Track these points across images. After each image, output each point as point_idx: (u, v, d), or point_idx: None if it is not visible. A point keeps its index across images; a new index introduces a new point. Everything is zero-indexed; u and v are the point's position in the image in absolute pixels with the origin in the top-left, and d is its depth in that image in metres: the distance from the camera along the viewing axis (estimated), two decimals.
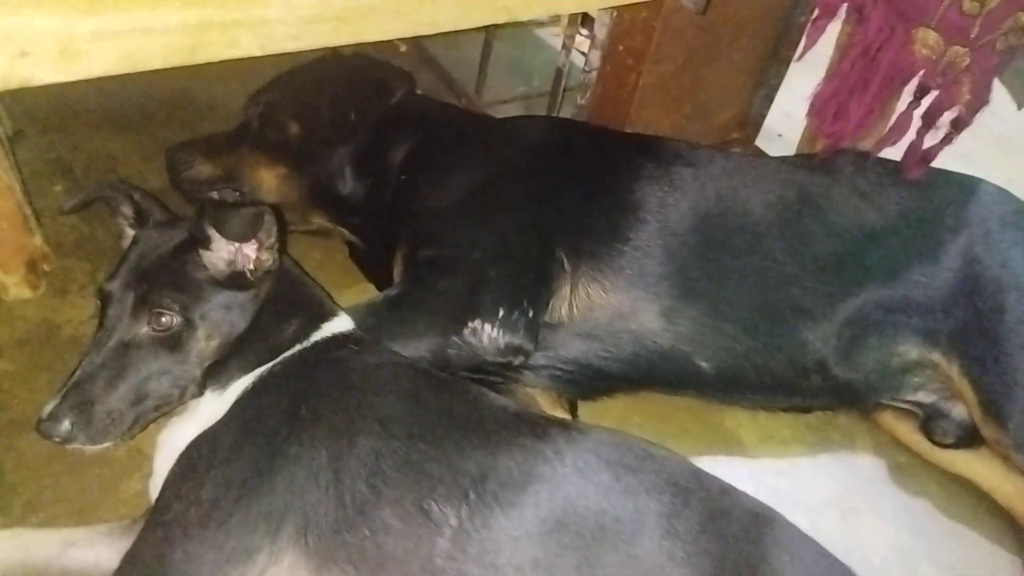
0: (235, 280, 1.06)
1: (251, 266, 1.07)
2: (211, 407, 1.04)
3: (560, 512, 0.94)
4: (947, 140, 1.39)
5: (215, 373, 1.05)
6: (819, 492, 1.31)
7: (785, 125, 2.01)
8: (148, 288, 1.03)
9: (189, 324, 1.02)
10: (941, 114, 1.35)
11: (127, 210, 1.15)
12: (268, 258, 1.08)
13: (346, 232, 1.56)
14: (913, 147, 1.38)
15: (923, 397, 1.34)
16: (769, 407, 1.40)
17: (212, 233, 1.04)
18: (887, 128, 1.36)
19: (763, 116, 1.93)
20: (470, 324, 1.21)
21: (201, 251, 1.05)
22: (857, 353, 1.31)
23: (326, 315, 1.15)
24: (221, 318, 1.05)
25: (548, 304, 1.27)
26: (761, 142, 1.95)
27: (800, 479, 1.33)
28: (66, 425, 0.97)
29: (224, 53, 0.78)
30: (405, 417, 1.01)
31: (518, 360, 1.24)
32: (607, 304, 1.29)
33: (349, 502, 0.93)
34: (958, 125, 1.36)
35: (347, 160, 1.49)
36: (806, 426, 1.41)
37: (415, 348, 1.21)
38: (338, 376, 1.06)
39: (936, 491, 1.34)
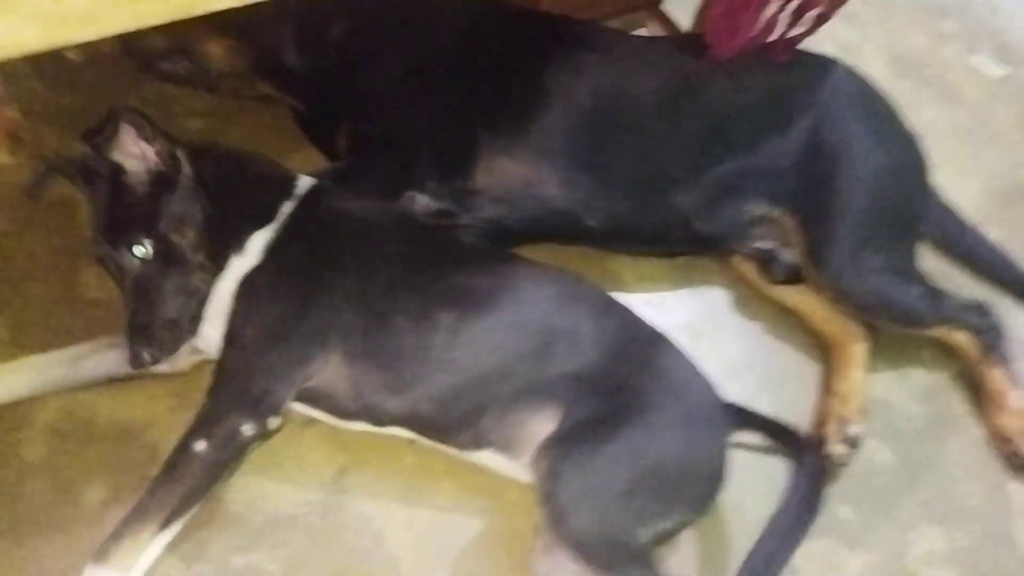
0: (161, 180, 1.24)
1: (158, 159, 1.24)
2: (238, 265, 1.30)
3: (522, 314, 1.33)
4: (810, 32, 1.61)
5: (218, 248, 1.29)
6: (677, 318, 1.65)
7: None
8: (113, 236, 1.23)
9: (159, 238, 1.23)
10: (807, 12, 1.57)
11: (76, 177, 1.31)
12: (160, 144, 1.23)
13: (292, 100, 1.75)
14: (781, 39, 1.60)
15: (764, 244, 1.67)
16: (644, 253, 1.74)
17: (115, 159, 1.22)
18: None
19: None
20: (407, 194, 1.50)
21: (122, 179, 1.23)
22: (715, 211, 1.61)
23: (292, 174, 1.41)
24: (178, 213, 1.25)
25: (470, 175, 1.55)
26: (667, 5, 2.12)
27: (664, 308, 1.67)
28: (145, 356, 1.21)
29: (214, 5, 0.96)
30: (409, 251, 1.36)
31: (445, 221, 1.54)
32: (517, 174, 1.57)
33: (373, 315, 1.29)
34: (821, 20, 1.59)
35: (289, 35, 1.65)
36: (673, 267, 1.74)
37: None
38: (347, 222, 1.38)
39: (766, 317, 1.71)
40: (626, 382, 1.29)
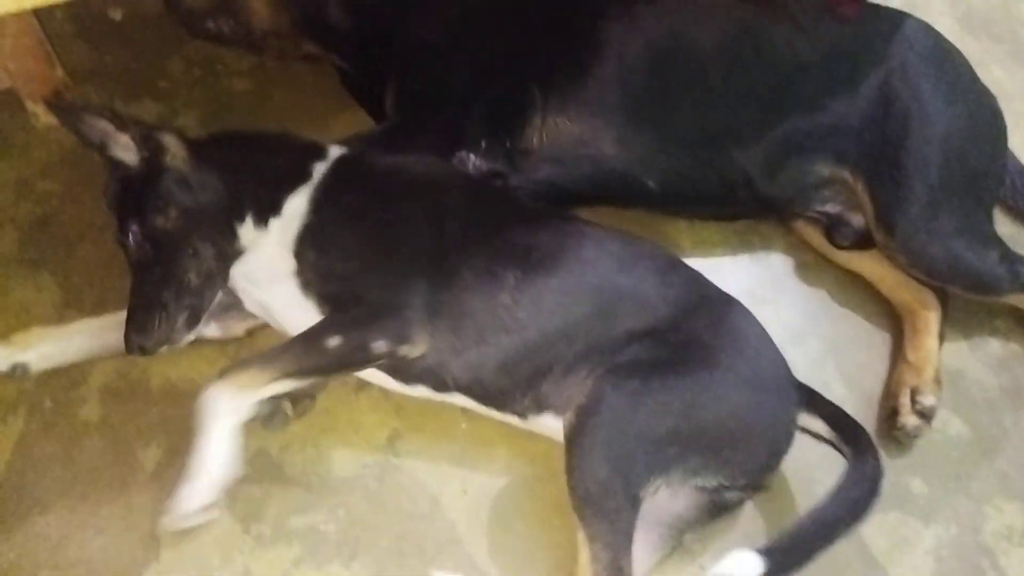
0: (151, 167, 1.25)
1: (138, 143, 1.25)
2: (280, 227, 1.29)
3: (585, 274, 1.29)
4: None
5: (229, 225, 1.27)
6: (738, 284, 1.56)
7: None
8: (119, 224, 1.26)
9: (144, 223, 1.23)
10: None
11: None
12: (134, 131, 1.25)
13: (337, 59, 1.71)
14: None
15: (830, 208, 1.59)
16: (703, 217, 1.66)
17: (110, 154, 1.25)
18: None
19: None
20: (457, 154, 1.44)
21: (123, 170, 1.26)
22: (779, 171, 1.54)
23: (320, 142, 1.38)
24: (163, 197, 1.24)
25: (523, 133, 1.49)
26: None
27: (724, 275, 1.57)
28: (135, 342, 1.22)
29: None
30: (472, 205, 1.34)
31: (498, 182, 1.48)
32: (571, 132, 1.50)
33: (443, 267, 1.25)
34: None
35: None
36: (732, 232, 1.67)
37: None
38: (401, 175, 1.35)
39: (832, 284, 1.63)
40: (695, 337, 1.24)
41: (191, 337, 1.27)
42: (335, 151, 1.36)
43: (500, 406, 1.28)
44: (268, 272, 1.29)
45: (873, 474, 1.23)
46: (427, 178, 1.35)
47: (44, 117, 1.63)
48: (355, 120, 1.70)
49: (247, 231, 1.29)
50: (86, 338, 1.36)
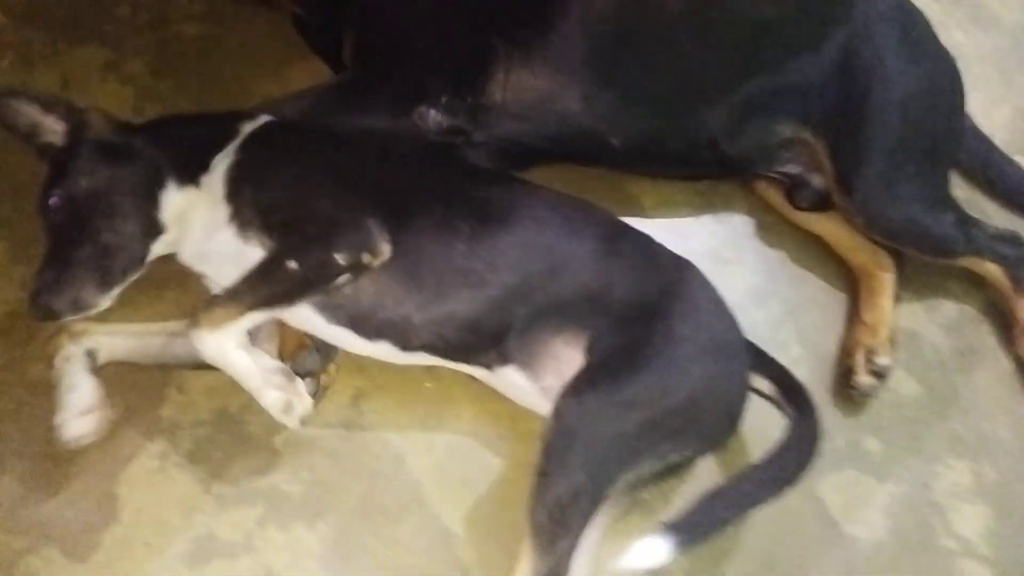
0: (76, 135, 1.25)
1: (64, 119, 1.25)
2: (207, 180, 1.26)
3: (536, 231, 1.28)
4: None
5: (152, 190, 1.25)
6: (700, 245, 1.60)
7: None
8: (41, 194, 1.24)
9: (68, 190, 1.21)
10: None
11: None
12: (59, 108, 1.25)
13: (292, 5, 1.63)
14: None
15: (791, 169, 1.59)
16: (666, 176, 1.65)
17: (40, 135, 1.26)
18: None
19: None
20: (417, 109, 1.40)
21: (50, 148, 1.27)
22: (742, 132, 1.52)
23: (246, 111, 1.36)
24: (87, 166, 1.22)
25: (485, 88, 1.45)
26: None
27: (686, 235, 1.61)
28: (41, 303, 1.17)
29: None
30: (421, 159, 1.34)
31: (459, 139, 1.45)
32: (535, 88, 1.47)
33: (397, 208, 1.24)
34: None
35: None
36: (695, 192, 1.66)
37: (368, 128, 1.40)
38: (333, 135, 1.34)
39: (791, 244, 1.64)
40: (651, 310, 1.24)
41: (104, 303, 1.21)
42: (265, 117, 1.34)
43: (466, 359, 1.28)
44: (209, 236, 1.25)
45: (811, 437, 1.25)
46: (361, 134, 1.35)
47: None
48: (311, 69, 1.64)
49: (172, 197, 1.25)
50: (129, 341, 1.31)
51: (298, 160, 1.27)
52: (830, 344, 1.55)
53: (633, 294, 1.25)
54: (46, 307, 1.16)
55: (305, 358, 1.31)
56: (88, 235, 1.20)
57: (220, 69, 1.65)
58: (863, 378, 1.47)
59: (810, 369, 1.50)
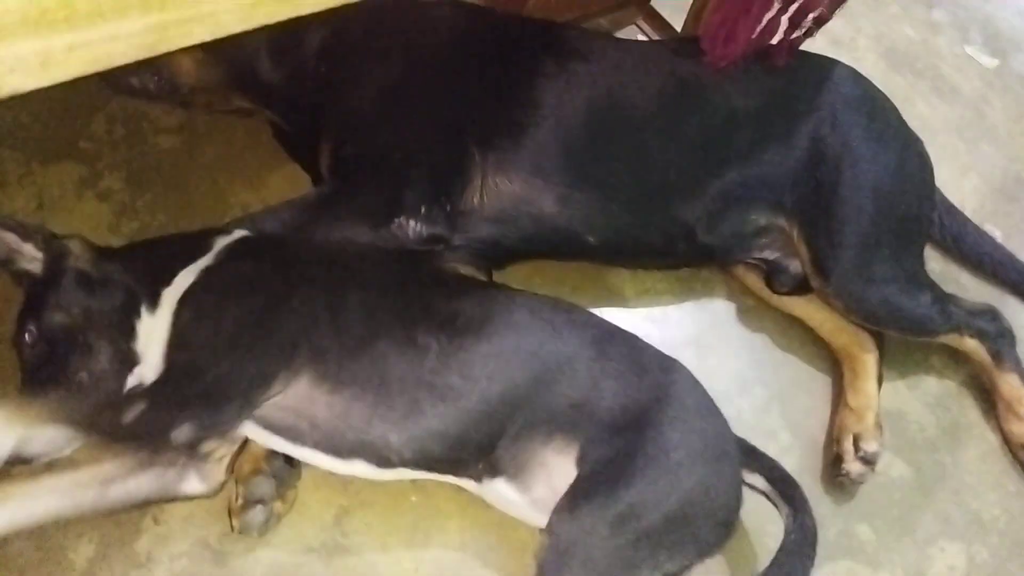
0: (55, 267, 1.22)
1: (42, 249, 1.23)
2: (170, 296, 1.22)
3: (516, 339, 1.26)
4: (809, 34, 1.56)
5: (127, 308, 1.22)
6: (682, 333, 1.61)
7: None
8: (17, 326, 1.21)
9: (44, 321, 1.19)
10: (806, 16, 1.51)
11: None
12: (36, 238, 1.23)
13: (270, 114, 1.66)
14: (780, 44, 1.54)
15: (768, 255, 1.61)
16: (645, 267, 1.67)
17: (17, 262, 1.24)
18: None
19: None
20: (396, 220, 1.40)
21: (29, 278, 1.24)
22: (718, 222, 1.54)
23: (225, 227, 1.35)
24: (67, 292, 1.20)
25: (463, 195, 1.47)
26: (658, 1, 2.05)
27: (668, 324, 1.62)
28: None
29: (180, 43, 0.89)
30: (383, 275, 1.30)
31: (439, 246, 1.45)
32: (511, 192, 1.48)
33: (349, 340, 1.21)
34: (820, 22, 1.53)
35: (262, 46, 1.55)
36: (675, 279, 1.68)
37: (347, 240, 1.40)
38: (304, 247, 1.32)
39: (773, 328, 1.66)
40: (641, 417, 1.22)
41: (74, 445, 1.15)
42: (240, 232, 1.33)
43: (453, 472, 1.26)
44: (153, 338, 1.21)
45: (810, 537, 1.25)
46: (335, 250, 1.33)
47: None
48: (291, 175, 1.66)
49: (145, 325, 1.22)
50: (53, 499, 1.18)
51: (241, 295, 1.22)
52: (818, 429, 1.55)
53: (623, 399, 1.24)
54: None
55: (258, 484, 1.27)
56: (63, 373, 1.17)
57: (197, 181, 1.65)
58: (853, 466, 1.46)
59: (800, 457, 1.50)
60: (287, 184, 1.66)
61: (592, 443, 1.21)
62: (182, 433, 1.11)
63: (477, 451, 1.22)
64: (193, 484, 1.28)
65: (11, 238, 1.23)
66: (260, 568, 1.26)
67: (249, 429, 1.21)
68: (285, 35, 1.55)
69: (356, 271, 1.29)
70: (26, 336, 1.19)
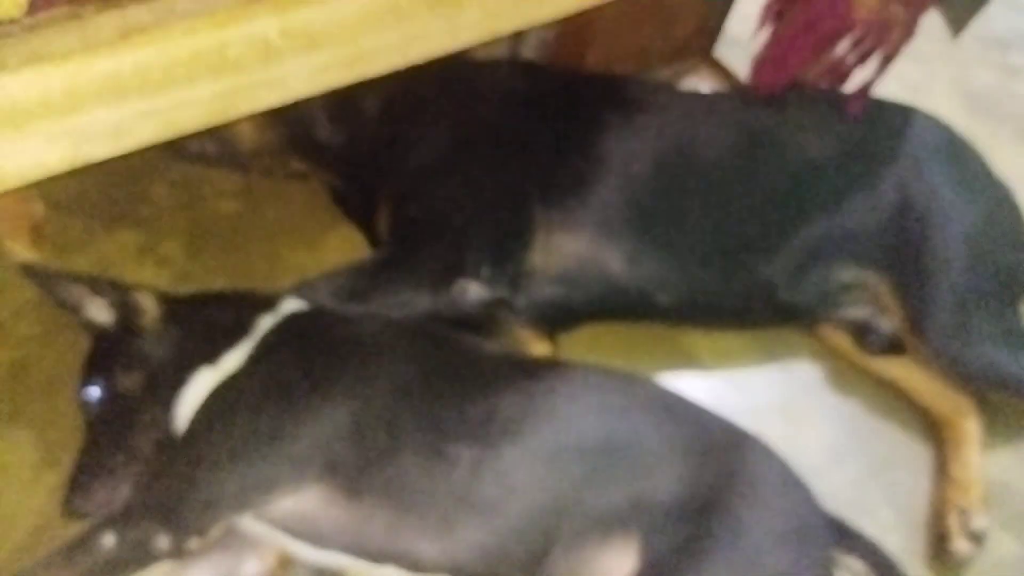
0: (126, 328, 1.20)
1: (114, 306, 1.21)
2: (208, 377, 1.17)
3: (559, 436, 1.13)
4: (878, 75, 1.49)
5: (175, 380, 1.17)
6: (766, 399, 1.50)
7: (744, 31, 2.02)
8: (81, 382, 1.20)
9: (109, 382, 1.17)
10: (871, 52, 1.44)
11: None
12: (111, 295, 1.21)
13: (328, 176, 1.64)
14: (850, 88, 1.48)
15: (857, 313, 1.50)
16: (721, 327, 1.57)
17: (86, 311, 1.22)
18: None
19: (721, 24, 1.97)
20: (457, 283, 1.35)
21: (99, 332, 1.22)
22: (801, 278, 1.45)
23: (275, 295, 1.28)
24: (133, 357, 1.18)
25: (525, 256, 1.40)
26: (720, 50, 2.00)
27: (749, 389, 1.51)
28: (76, 504, 1.13)
29: (249, 109, 0.87)
30: (412, 373, 1.17)
31: (501, 311, 1.39)
32: (576, 252, 1.42)
33: (371, 449, 1.10)
34: (887, 61, 1.46)
35: (320, 109, 1.54)
36: (754, 341, 1.57)
37: (405, 307, 1.35)
38: (343, 337, 1.21)
39: (865, 393, 1.53)
40: (709, 499, 1.09)
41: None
42: (289, 306, 1.26)
43: None
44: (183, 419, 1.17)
45: None
46: (362, 342, 1.21)
47: (20, 254, 1.53)
48: (348, 237, 1.62)
49: (183, 403, 1.17)
50: None
51: (258, 399, 1.13)
52: (920, 503, 1.41)
53: (685, 482, 1.10)
54: (78, 511, 1.12)
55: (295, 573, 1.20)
56: (127, 441, 1.14)
57: (255, 244, 1.63)
58: (959, 544, 1.32)
59: (903, 536, 1.36)
60: (346, 245, 1.62)
61: (654, 533, 1.08)
62: (163, 543, 1.06)
63: (524, 565, 1.09)
64: (252, 566, 1.21)
65: (82, 291, 1.21)
66: None
67: (267, 533, 1.14)
68: (343, 96, 1.53)
69: (387, 366, 1.17)
70: (91, 392, 1.17)
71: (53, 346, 1.46)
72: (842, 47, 1.40)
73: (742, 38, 2.01)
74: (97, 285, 1.21)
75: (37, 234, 1.54)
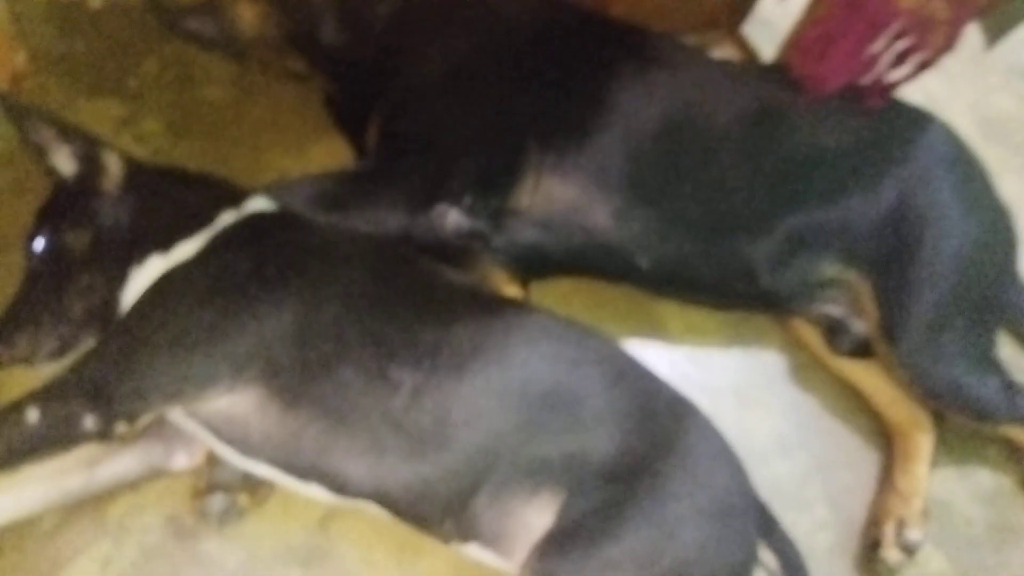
0: (84, 182, 1.16)
1: (79, 157, 1.16)
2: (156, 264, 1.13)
3: (507, 378, 1.09)
4: (910, 77, 1.44)
5: (128, 255, 1.14)
6: (724, 380, 1.48)
7: (775, 12, 1.98)
8: (30, 231, 1.16)
9: (55, 237, 1.13)
10: (912, 55, 1.40)
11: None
12: (79, 145, 1.16)
13: (324, 81, 1.57)
14: (878, 81, 1.43)
15: (832, 310, 1.48)
16: (695, 303, 1.54)
17: (49, 162, 1.16)
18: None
19: (753, 2, 1.92)
20: (437, 207, 1.30)
21: (58, 181, 1.17)
22: (784, 266, 1.42)
23: (243, 190, 1.24)
24: (84, 216, 1.14)
25: (512, 192, 1.36)
26: (748, 28, 1.95)
27: (710, 367, 1.50)
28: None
29: None
30: (367, 289, 1.13)
31: (477, 244, 1.35)
32: (565, 198, 1.38)
33: (314, 358, 1.07)
34: (924, 66, 1.42)
35: (331, 7, 1.47)
36: (725, 321, 1.55)
37: (379, 224, 1.30)
38: (302, 243, 1.17)
39: (824, 390, 1.52)
40: (640, 466, 1.07)
41: (48, 367, 1.13)
42: (255, 204, 1.21)
43: (418, 524, 1.10)
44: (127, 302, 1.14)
45: None
46: (321, 249, 1.17)
47: None
48: (335, 149, 1.57)
49: (132, 281, 1.14)
50: (41, 488, 1.12)
51: (205, 294, 1.09)
52: (858, 507, 1.40)
53: (620, 445, 1.08)
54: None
55: (223, 469, 1.17)
56: (60, 300, 1.11)
57: (239, 138, 1.57)
58: (891, 552, 1.32)
59: (835, 535, 1.36)
60: (329, 157, 1.58)
61: (578, 493, 1.05)
62: (89, 424, 1.03)
63: (444, 508, 1.07)
64: (181, 459, 1.19)
65: (50, 134, 1.16)
66: (233, 558, 1.15)
67: (196, 431, 1.11)
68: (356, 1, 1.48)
69: (343, 275, 1.14)
70: (37, 242, 1.13)
71: (17, 202, 1.41)
72: (881, 42, 1.34)
73: (771, 19, 1.98)
74: (67, 132, 1.15)
75: (16, 84, 1.48)
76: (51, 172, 1.18)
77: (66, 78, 1.58)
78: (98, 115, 1.55)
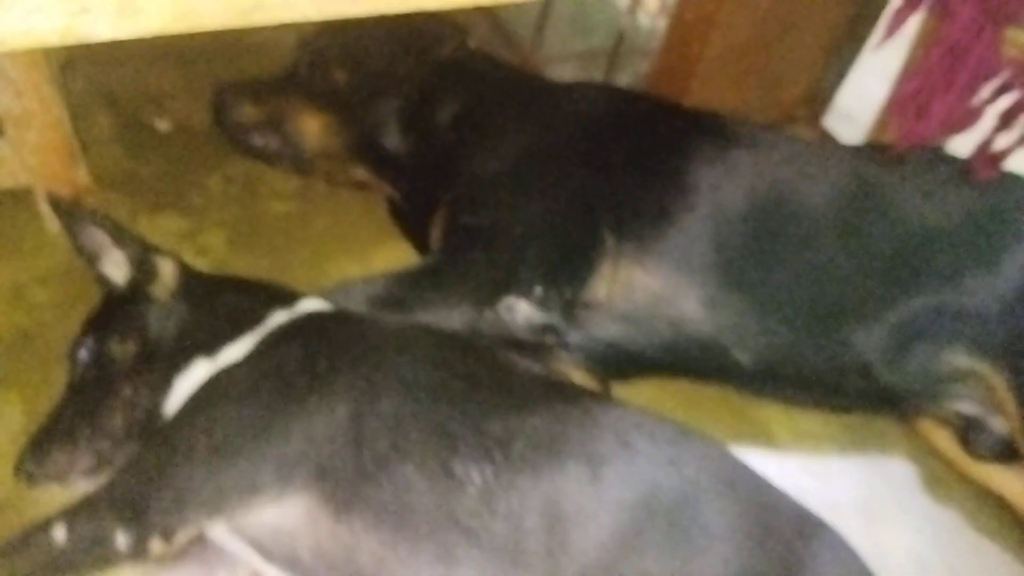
0: (136, 290, 1.10)
1: (132, 263, 1.10)
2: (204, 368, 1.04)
3: (594, 476, 0.93)
4: (1021, 142, 1.32)
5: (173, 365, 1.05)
6: (847, 494, 1.29)
7: (856, 105, 1.91)
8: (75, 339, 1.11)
9: (100, 347, 1.08)
10: (1019, 114, 1.27)
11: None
12: (131, 250, 1.10)
13: (387, 187, 1.53)
14: (985, 145, 1.31)
15: (965, 407, 1.30)
16: (804, 404, 1.37)
17: (102, 263, 1.11)
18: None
19: (832, 94, 1.84)
20: (505, 299, 1.19)
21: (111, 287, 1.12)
22: (903, 358, 1.26)
23: (295, 291, 1.16)
24: (131, 325, 1.08)
25: (587, 284, 1.25)
26: (829, 121, 1.87)
27: (829, 479, 1.31)
28: (28, 470, 1.03)
29: (280, 16, 0.76)
30: (428, 378, 1.00)
31: (551, 339, 1.23)
32: (648, 288, 1.26)
33: (369, 458, 0.93)
34: None
35: (393, 113, 1.46)
36: (840, 425, 1.37)
37: (447, 318, 1.20)
38: (356, 335, 1.07)
39: (964, 503, 1.31)
40: None
41: (85, 487, 1.02)
42: (308, 304, 1.12)
43: None
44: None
45: None
46: (388, 339, 1.06)
47: (53, 221, 1.46)
48: (399, 255, 1.50)
49: (176, 389, 1.04)
50: None
51: (251, 394, 0.98)
52: None
53: (738, 569, 0.91)
54: (28, 474, 1.03)
55: None
56: (100, 413, 1.03)
57: (300, 249, 1.52)
58: None
59: None
60: (393, 263, 1.49)
61: None
62: (122, 543, 0.91)
63: None
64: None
65: (104, 239, 1.11)
66: None
67: (239, 549, 0.98)
68: (420, 103, 1.45)
69: (404, 367, 1.01)
70: (81, 352, 1.08)
71: (67, 319, 1.35)
72: (984, 93, 1.23)
73: (854, 112, 1.90)
74: (121, 236, 1.10)
75: (77, 200, 1.47)
76: (102, 280, 1.13)
77: (129, 196, 1.56)
78: (160, 230, 1.51)
